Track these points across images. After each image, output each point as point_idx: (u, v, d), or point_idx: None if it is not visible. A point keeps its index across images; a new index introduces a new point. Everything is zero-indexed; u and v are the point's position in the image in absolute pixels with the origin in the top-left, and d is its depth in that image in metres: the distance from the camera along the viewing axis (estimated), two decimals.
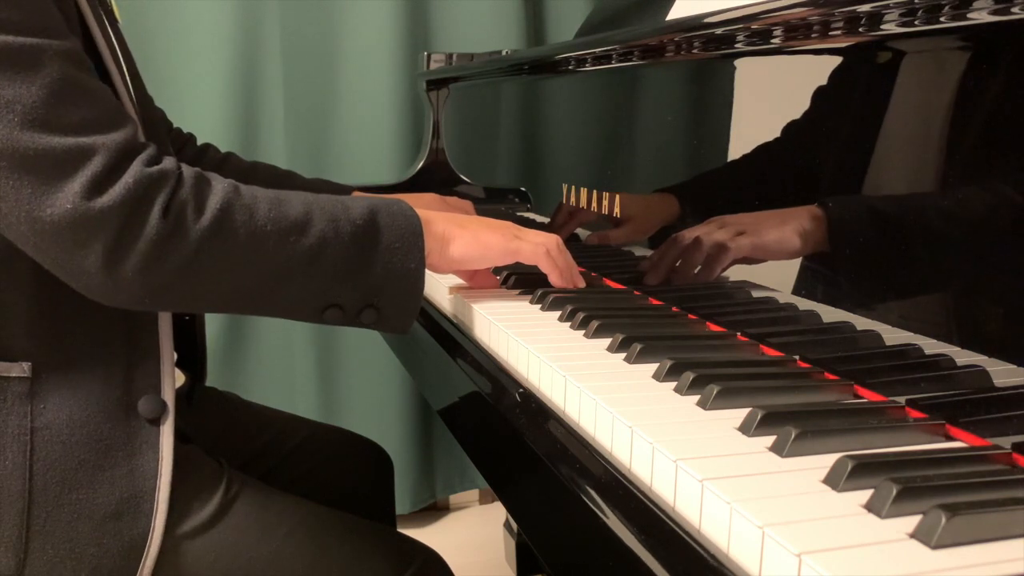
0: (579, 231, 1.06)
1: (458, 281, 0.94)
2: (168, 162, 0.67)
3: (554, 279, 0.87)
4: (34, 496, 0.70)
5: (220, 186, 0.69)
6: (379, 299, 0.74)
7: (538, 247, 0.84)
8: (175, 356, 0.80)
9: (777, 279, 0.70)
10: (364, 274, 0.72)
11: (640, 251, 0.92)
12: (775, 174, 0.72)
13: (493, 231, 0.83)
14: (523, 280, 0.92)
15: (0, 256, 0.69)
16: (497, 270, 0.95)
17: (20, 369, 0.71)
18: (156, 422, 0.75)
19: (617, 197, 0.95)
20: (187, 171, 0.68)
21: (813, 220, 0.66)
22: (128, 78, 0.79)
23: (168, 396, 0.76)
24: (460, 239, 0.81)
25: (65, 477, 0.71)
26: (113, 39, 0.79)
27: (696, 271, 0.81)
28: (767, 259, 0.72)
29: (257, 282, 0.70)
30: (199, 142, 1.13)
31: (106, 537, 0.72)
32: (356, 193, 1.10)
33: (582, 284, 0.89)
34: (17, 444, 0.70)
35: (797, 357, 0.66)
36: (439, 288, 0.97)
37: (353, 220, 0.72)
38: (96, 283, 0.65)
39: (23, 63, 0.62)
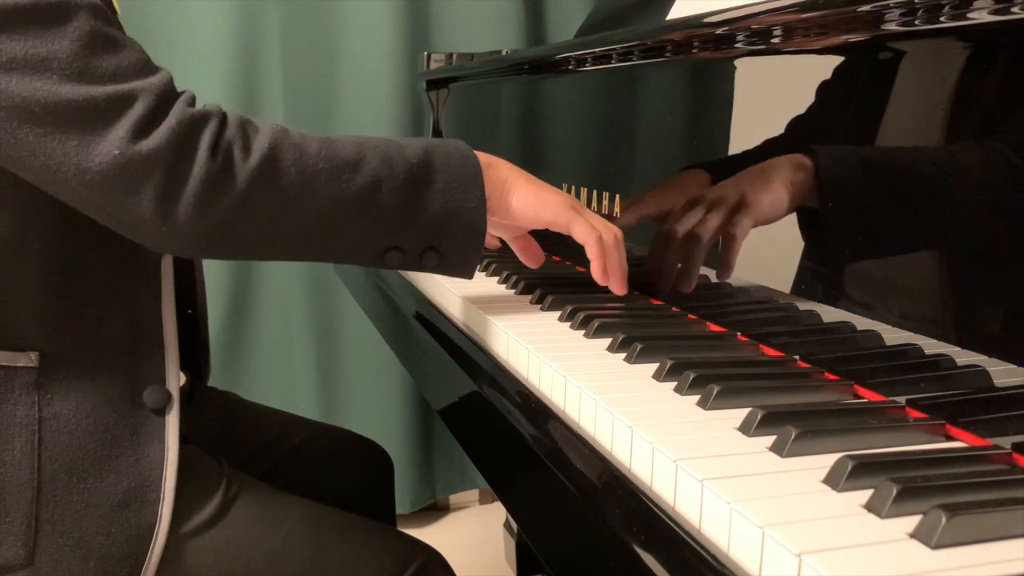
0: None
1: (463, 284, 0.94)
2: (211, 104, 0.68)
3: (595, 268, 0.80)
4: (43, 485, 0.71)
5: (267, 127, 0.69)
6: (440, 240, 0.73)
7: (592, 230, 0.79)
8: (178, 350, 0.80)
9: (777, 279, 0.70)
10: (421, 214, 0.71)
11: (640, 251, 0.92)
12: None
13: (554, 195, 0.80)
14: (529, 285, 0.92)
15: (9, 246, 0.69)
16: (504, 271, 0.95)
17: (28, 359, 0.71)
18: (161, 412, 0.75)
19: (617, 197, 0.95)
20: (231, 114, 0.68)
21: (802, 169, 0.65)
22: None
23: (173, 387, 0.76)
24: (521, 190, 0.78)
25: (73, 467, 0.71)
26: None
27: (704, 264, 0.80)
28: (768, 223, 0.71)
29: (311, 223, 0.69)
30: None
31: (114, 526, 0.72)
32: None
33: (624, 291, 0.82)
34: (25, 433, 0.70)
35: (797, 357, 0.66)
36: (439, 289, 0.97)
37: (407, 159, 0.71)
38: (151, 231, 0.65)
39: (52, 19, 0.62)
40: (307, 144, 0.69)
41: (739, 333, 0.73)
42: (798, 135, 0.68)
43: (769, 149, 0.71)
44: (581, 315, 0.77)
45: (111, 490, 0.72)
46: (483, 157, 0.76)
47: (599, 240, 0.79)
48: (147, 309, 0.76)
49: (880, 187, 0.61)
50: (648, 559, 0.45)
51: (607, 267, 0.80)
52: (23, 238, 0.68)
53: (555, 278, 0.87)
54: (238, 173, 0.65)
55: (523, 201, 0.78)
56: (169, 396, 0.76)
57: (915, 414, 0.55)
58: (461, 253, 0.74)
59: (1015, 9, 0.49)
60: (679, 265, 0.82)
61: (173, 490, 0.74)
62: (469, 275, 0.76)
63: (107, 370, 0.74)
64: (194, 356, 0.97)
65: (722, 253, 0.75)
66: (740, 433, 0.52)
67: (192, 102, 0.67)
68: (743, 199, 0.71)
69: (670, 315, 0.81)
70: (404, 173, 0.70)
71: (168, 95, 0.66)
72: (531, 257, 0.88)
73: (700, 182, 0.80)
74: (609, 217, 0.96)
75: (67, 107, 0.62)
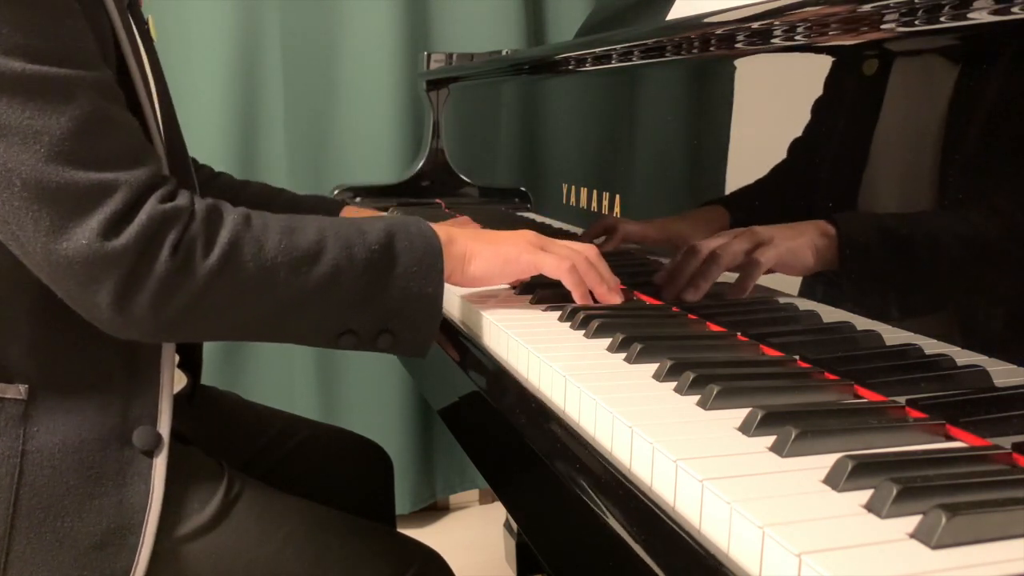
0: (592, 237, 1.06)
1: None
2: (182, 198, 0.67)
3: (577, 297, 0.81)
4: (17, 521, 0.69)
5: (231, 218, 0.68)
6: (395, 324, 0.73)
7: (562, 261, 0.80)
8: (176, 359, 0.80)
9: (777, 279, 0.70)
10: (379, 300, 0.71)
11: (641, 252, 0.92)
12: (774, 175, 0.72)
13: (515, 244, 0.81)
14: (529, 284, 0.92)
15: (6, 275, 0.69)
16: None
17: (16, 391, 0.70)
18: (150, 454, 0.74)
19: (617, 197, 0.95)
20: (199, 205, 0.68)
21: (824, 235, 0.65)
22: (157, 105, 0.79)
23: (164, 429, 0.75)
24: (480, 256, 0.79)
25: (51, 503, 0.70)
26: (146, 64, 0.78)
27: (712, 283, 0.79)
28: (785, 272, 0.71)
29: (268, 313, 0.69)
30: (201, 154, 1.13)
31: (87, 568, 0.71)
32: (347, 209, 1.09)
33: (616, 301, 0.83)
34: (5, 467, 0.69)
35: (797, 357, 0.66)
36: None
37: (368, 245, 0.71)
38: (106, 318, 0.65)
39: (55, 94, 0.62)
40: (267, 237, 0.68)
41: (739, 333, 0.73)
42: (797, 135, 0.68)
43: (768, 150, 0.71)
44: (581, 315, 0.77)
45: (89, 531, 0.71)
46: (442, 233, 0.76)
47: (571, 270, 0.80)
48: (145, 349, 0.75)
49: (883, 196, 0.61)
50: (648, 559, 0.45)
51: (591, 286, 0.81)
52: (22, 269, 0.67)
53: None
54: (197, 270, 0.65)
55: (486, 266, 0.79)
56: (160, 438, 0.74)
57: (915, 414, 0.55)
58: (416, 336, 0.74)
59: (1015, 9, 0.49)
60: (692, 278, 0.81)
61: (154, 535, 0.72)
62: (422, 356, 0.76)
63: (98, 407, 0.72)
64: (194, 357, 0.96)
65: (740, 277, 0.74)
66: (740, 433, 0.52)
67: (167, 197, 0.66)
68: (772, 239, 0.71)
69: (670, 315, 0.81)
70: (364, 261, 0.70)
71: (147, 189, 0.65)
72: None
73: (722, 219, 0.79)
74: (609, 217, 0.96)
75: (47, 187, 0.61)
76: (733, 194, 0.77)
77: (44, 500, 0.70)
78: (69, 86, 0.63)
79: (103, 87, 0.66)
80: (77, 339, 0.72)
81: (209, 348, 1.83)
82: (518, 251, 0.80)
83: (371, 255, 0.71)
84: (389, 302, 0.72)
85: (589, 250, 0.82)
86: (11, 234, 0.63)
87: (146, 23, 0.85)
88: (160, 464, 0.74)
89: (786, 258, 0.69)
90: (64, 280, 0.64)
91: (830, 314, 0.64)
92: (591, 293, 0.82)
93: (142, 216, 0.64)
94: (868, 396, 0.59)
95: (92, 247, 0.62)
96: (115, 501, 0.72)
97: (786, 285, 0.69)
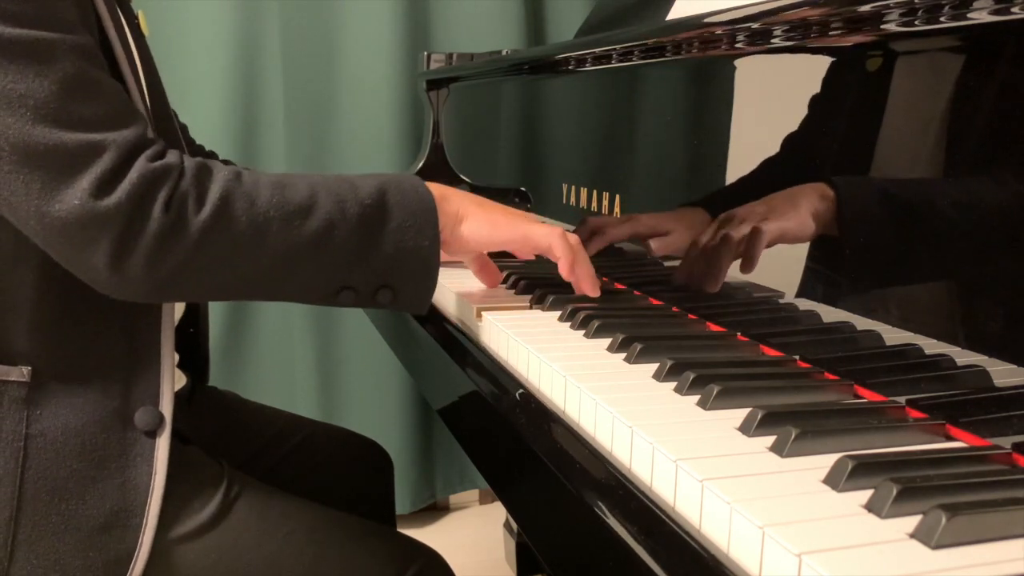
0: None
1: (462, 284, 0.94)
2: (172, 156, 0.67)
3: (563, 267, 0.80)
4: (23, 504, 0.69)
5: (221, 175, 0.68)
6: (393, 279, 0.73)
7: (552, 231, 0.80)
8: (176, 359, 0.80)
9: (777, 279, 0.70)
10: (374, 255, 0.71)
11: (643, 252, 0.92)
12: (775, 174, 0.72)
13: (508, 214, 0.81)
14: (529, 284, 0.92)
15: (5, 258, 0.69)
16: (504, 271, 0.95)
17: (19, 373, 0.70)
18: (152, 434, 0.74)
19: (617, 197, 0.95)
20: (189, 163, 0.68)
21: (823, 199, 0.65)
22: (145, 87, 0.79)
23: (166, 408, 0.75)
24: (473, 217, 0.79)
25: (56, 486, 0.70)
26: (134, 50, 0.78)
27: (731, 262, 0.77)
28: (787, 243, 0.70)
29: (264, 269, 0.69)
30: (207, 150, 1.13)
31: (92, 551, 0.71)
32: None
33: (596, 293, 0.83)
34: (10, 450, 0.69)
35: (797, 357, 0.66)
36: (439, 289, 0.97)
37: (361, 200, 0.71)
38: (103, 279, 0.65)
39: (37, 57, 0.62)
40: (259, 192, 0.68)
41: (739, 333, 0.73)
42: (798, 136, 0.68)
43: (769, 149, 0.71)
44: (581, 315, 0.77)
45: (93, 513, 0.71)
46: (436, 190, 0.76)
47: (562, 236, 0.80)
48: (146, 328, 0.75)
49: (882, 195, 0.61)
50: (648, 559, 0.45)
51: (572, 263, 0.80)
52: (22, 250, 0.67)
53: (555, 278, 0.87)
54: (190, 226, 0.65)
55: (476, 228, 0.79)
56: (162, 418, 0.74)
57: (915, 414, 0.55)
58: (415, 291, 0.74)
59: (1015, 9, 0.49)
60: (703, 277, 0.80)
61: (157, 515, 0.73)
62: (422, 311, 0.76)
63: (100, 388, 0.72)
64: (196, 358, 0.96)
65: (746, 248, 0.73)
66: (740, 433, 0.52)
67: (156, 156, 0.66)
68: (768, 215, 0.71)
69: (670, 315, 0.81)
70: (357, 215, 0.70)
71: (135, 149, 0.65)
72: (488, 276, 0.91)
73: (711, 217, 0.78)
74: (609, 217, 0.96)
75: (36, 149, 0.61)
76: (733, 194, 0.77)
77: (48, 484, 0.70)
78: (50, 48, 0.62)
79: (85, 50, 0.65)
80: (79, 321, 0.72)
81: (211, 349, 1.83)
82: (508, 221, 0.80)
83: (364, 209, 0.71)
84: (385, 256, 0.72)
85: (572, 237, 0.83)
86: (4, 201, 0.63)
87: (136, 18, 0.85)
88: (163, 445, 0.74)
89: (792, 231, 0.69)
90: (59, 242, 0.64)
91: (830, 314, 0.64)
92: (570, 284, 0.82)
93: (132, 174, 0.64)
94: (868, 396, 0.59)
95: (84, 207, 0.62)
96: (118, 483, 0.72)
97: (786, 285, 0.69)
